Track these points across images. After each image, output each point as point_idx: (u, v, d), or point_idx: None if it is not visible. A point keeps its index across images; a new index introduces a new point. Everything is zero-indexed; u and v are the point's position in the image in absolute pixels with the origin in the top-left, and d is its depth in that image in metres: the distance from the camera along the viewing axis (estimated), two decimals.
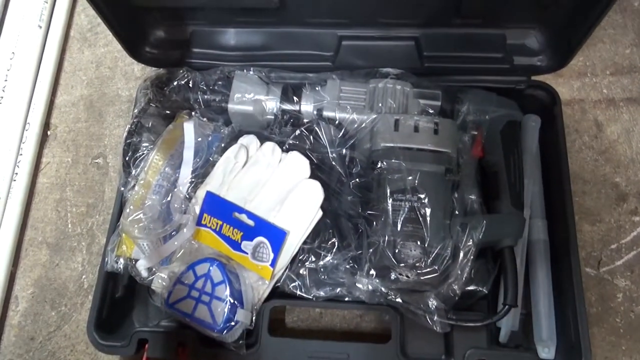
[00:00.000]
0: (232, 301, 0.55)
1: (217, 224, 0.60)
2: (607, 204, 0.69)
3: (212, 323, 0.55)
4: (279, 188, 0.60)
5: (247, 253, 0.59)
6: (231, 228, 0.59)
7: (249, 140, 0.64)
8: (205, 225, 0.60)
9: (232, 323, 0.55)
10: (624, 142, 0.73)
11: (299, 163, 0.61)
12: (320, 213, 0.59)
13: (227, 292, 0.55)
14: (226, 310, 0.54)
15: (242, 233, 0.59)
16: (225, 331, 0.55)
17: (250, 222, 0.59)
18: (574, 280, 0.58)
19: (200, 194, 0.62)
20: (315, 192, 0.60)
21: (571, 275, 0.58)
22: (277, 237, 0.58)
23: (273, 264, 0.58)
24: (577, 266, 0.58)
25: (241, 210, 0.60)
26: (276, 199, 0.60)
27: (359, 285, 0.56)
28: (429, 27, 0.68)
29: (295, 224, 0.58)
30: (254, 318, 0.57)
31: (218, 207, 0.61)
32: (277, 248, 0.58)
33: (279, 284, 0.59)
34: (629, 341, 0.62)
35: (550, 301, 0.59)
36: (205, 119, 0.67)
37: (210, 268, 0.56)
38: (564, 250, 0.60)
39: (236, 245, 0.59)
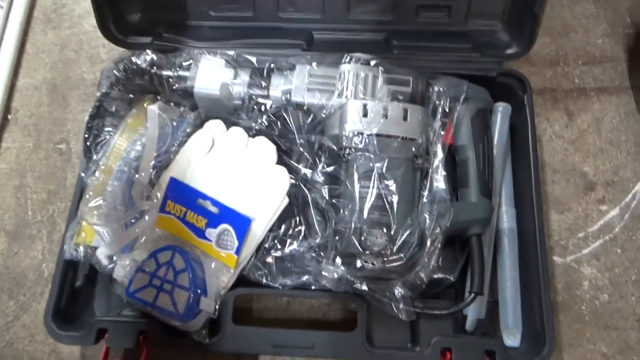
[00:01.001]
0: (195, 289, 0.53)
1: (181, 210, 0.58)
2: (576, 192, 0.69)
3: (174, 312, 0.53)
4: (245, 174, 0.59)
5: (211, 240, 0.57)
6: (195, 215, 0.58)
7: (215, 125, 0.63)
8: (169, 212, 0.59)
9: (195, 311, 0.54)
10: (593, 132, 0.73)
11: (265, 148, 0.60)
12: (287, 200, 0.58)
13: (190, 280, 0.54)
14: (189, 298, 0.53)
15: (206, 220, 0.58)
16: (188, 320, 0.53)
17: (214, 209, 0.58)
18: (541, 269, 0.58)
19: (164, 180, 0.60)
20: (281, 179, 0.58)
21: (538, 264, 0.58)
22: (241, 224, 0.57)
23: (237, 252, 0.56)
24: (544, 255, 0.58)
25: (205, 196, 0.58)
26: (242, 185, 0.59)
27: (325, 274, 0.55)
28: (399, 20, 0.70)
29: (261, 211, 0.57)
30: (217, 307, 0.56)
31: (182, 193, 0.59)
32: (241, 235, 0.57)
33: (244, 273, 0.58)
34: (593, 328, 0.62)
35: (516, 289, 0.59)
36: (171, 104, 0.65)
37: (173, 256, 0.55)
38: (531, 239, 0.60)
39: (200, 233, 0.58)
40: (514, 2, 0.68)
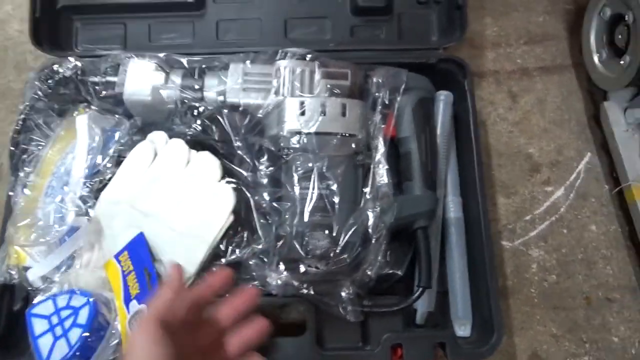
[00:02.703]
0: (76, 353, 0.49)
1: (128, 267, 0.54)
2: (521, 175, 0.70)
3: (45, 359, 0.49)
4: (188, 191, 0.57)
5: (129, 313, 0.52)
6: (135, 280, 0.54)
7: (158, 136, 0.60)
8: (119, 262, 0.55)
9: None
10: (537, 112, 0.73)
11: (209, 164, 0.58)
12: (232, 218, 0.56)
13: (78, 338, 0.49)
14: (64, 355, 0.49)
15: (138, 291, 0.53)
16: None
17: (150, 286, 0.54)
18: (487, 256, 0.58)
19: (104, 196, 0.58)
20: (226, 198, 0.56)
21: (484, 251, 0.58)
22: None
23: None
24: (490, 242, 0.58)
25: (152, 269, 0.54)
26: (184, 203, 0.57)
27: (270, 280, 0.54)
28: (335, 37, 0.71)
29: (204, 231, 0.55)
30: None
31: (139, 252, 0.55)
32: None
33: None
34: (543, 310, 0.63)
35: (465, 279, 0.59)
36: (104, 112, 0.62)
37: (82, 306, 0.51)
38: (477, 226, 0.60)
39: (127, 300, 0.53)
40: None
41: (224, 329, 0.45)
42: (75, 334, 0.50)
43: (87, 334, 0.50)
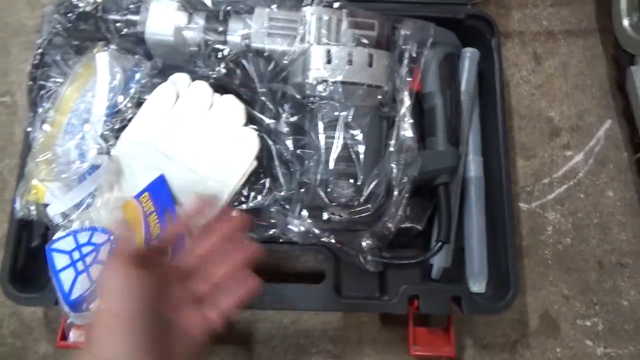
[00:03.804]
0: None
1: (149, 208, 0.54)
2: (541, 138, 0.69)
3: (67, 292, 0.50)
4: (211, 135, 0.56)
5: None
6: (157, 221, 0.54)
7: (181, 78, 0.59)
8: (140, 203, 0.54)
9: (83, 309, 0.50)
10: (560, 76, 0.72)
11: (233, 108, 0.57)
12: (255, 164, 0.56)
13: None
14: (86, 290, 0.50)
15: (159, 232, 0.53)
16: (73, 309, 0.50)
17: None
18: (507, 215, 0.58)
19: (125, 136, 0.57)
20: (251, 143, 0.56)
21: (504, 211, 0.58)
22: None
23: None
24: (510, 202, 0.58)
25: (173, 209, 0.54)
26: (207, 147, 0.56)
27: (291, 227, 0.54)
28: None
29: (227, 175, 0.54)
30: None
31: (160, 194, 0.54)
32: None
33: None
34: (556, 271, 0.64)
35: (482, 237, 0.60)
36: (124, 52, 0.60)
37: (104, 244, 0.52)
38: (498, 186, 0.60)
39: (148, 239, 0.53)
40: None
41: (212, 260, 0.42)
42: (97, 270, 0.50)
43: None
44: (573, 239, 0.65)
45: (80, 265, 0.51)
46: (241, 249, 0.41)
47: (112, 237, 0.51)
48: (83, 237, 0.52)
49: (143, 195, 0.55)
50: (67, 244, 0.51)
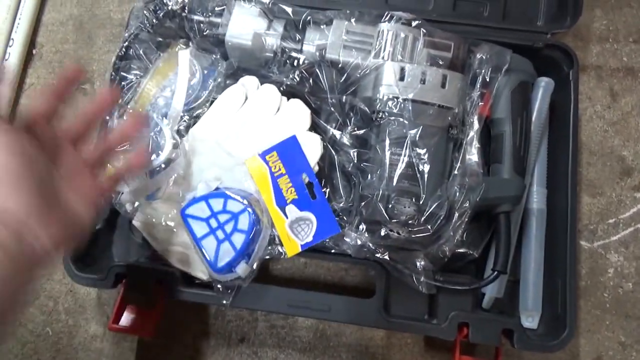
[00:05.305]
0: (242, 254, 0.52)
1: (279, 169, 0.56)
2: (611, 177, 0.67)
3: (212, 261, 0.53)
4: (275, 138, 0.57)
5: (287, 218, 0.55)
6: (289, 184, 0.55)
7: (250, 81, 0.61)
8: (267, 162, 0.56)
9: (230, 270, 0.53)
10: (637, 115, 0.69)
11: (300, 112, 0.58)
12: (316, 169, 0.56)
13: (244, 243, 0.52)
14: (233, 258, 0.52)
15: (296, 197, 0.55)
16: (219, 274, 0.53)
17: (313, 195, 0.56)
18: (568, 252, 0.56)
19: (194, 131, 0.59)
20: (314, 147, 0.56)
21: (566, 247, 0.56)
22: (328, 227, 0.55)
23: (304, 247, 0.55)
24: (574, 239, 0.57)
25: (313, 177, 0.55)
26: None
27: (347, 239, 0.54)
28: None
29: None
30: (251, 276, 0.54)
31: (293, 156, 0.56)
32: (319, 237, 0.55)
33: None
34: (614, 316, 0.61)
35: (540, 271, 0.58)
36: (202, 51, 0.63)
37: (241, 212, 0.53)
38: (562, 221, 0.58)
39: (282, 203, 0.55)
40: None
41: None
42: (239, 239, 0.52)
43: (248, 239, 0.52)
44: (635, 284, 0.62)
45: (220, 234, 0.53)
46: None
47: (249, 209, 0.53)
48: (216, 204, 0.53)
49: (271, 154, 0.56)
50: (201, 210, 0.53)
